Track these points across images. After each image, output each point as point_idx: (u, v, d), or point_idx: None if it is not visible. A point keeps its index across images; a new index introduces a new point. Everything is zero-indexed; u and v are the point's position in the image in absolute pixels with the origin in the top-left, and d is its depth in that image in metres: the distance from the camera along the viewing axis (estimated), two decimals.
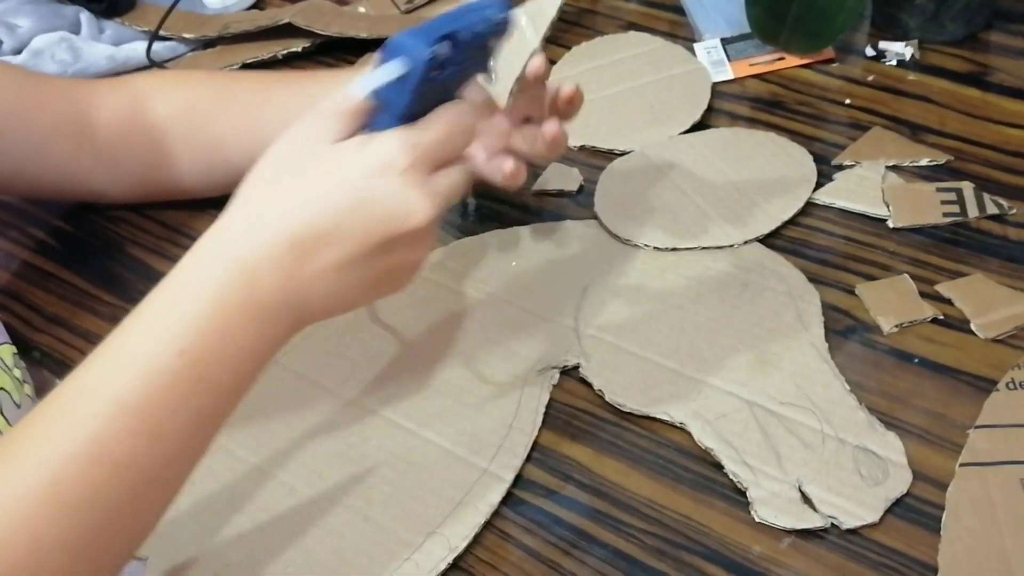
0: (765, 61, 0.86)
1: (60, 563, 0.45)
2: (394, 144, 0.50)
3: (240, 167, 0.53)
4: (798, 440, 0.58)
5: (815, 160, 0.76)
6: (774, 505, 0.55)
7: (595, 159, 0.80)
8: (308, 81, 0.75)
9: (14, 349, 0.64)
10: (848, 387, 0.60)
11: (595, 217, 0.74)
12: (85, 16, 0.98)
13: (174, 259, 0.75)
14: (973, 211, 0.71)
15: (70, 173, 0.75)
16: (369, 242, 0.50)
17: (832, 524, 0.54)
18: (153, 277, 0.73)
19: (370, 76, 0.50)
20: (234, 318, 0.49)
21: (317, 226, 0.49)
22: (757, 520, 0.55)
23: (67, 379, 0.48)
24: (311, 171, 0.50)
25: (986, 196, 0.71)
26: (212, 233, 0.51)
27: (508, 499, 0.58)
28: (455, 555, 0.55)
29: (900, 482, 0.56)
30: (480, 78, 0.57)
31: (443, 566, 0.55)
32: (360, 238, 0.50)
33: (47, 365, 0.71)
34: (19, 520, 0.44)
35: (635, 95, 0.84)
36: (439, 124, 0.51)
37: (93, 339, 0.70)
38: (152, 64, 0.94)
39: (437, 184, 0.51)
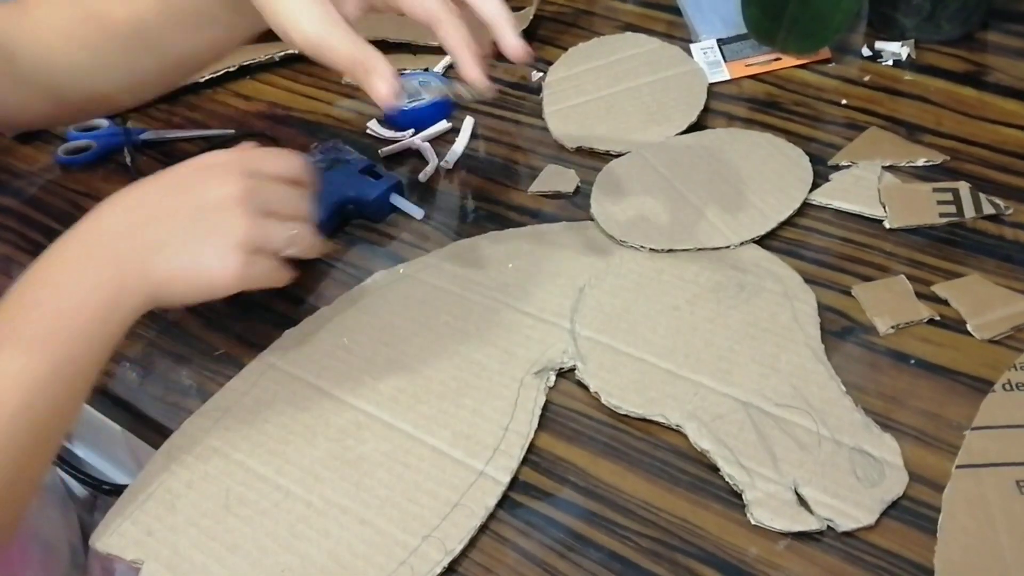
0: (761, 62, 0.86)
1: None
2: (221, 155, 0.63)
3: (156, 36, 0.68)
4: (794, 442, 0.58)
5: (811, 160, 0.76)
6: (770, 507, 0.55)
7: (591, 160, 0.80)
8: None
9: None
10: (844, 388, 0.60)
11: (591, 218, 0.74)
12: None
13: None
14: (970, 211, 0.71)
15: None
16: (186, 199, 0.60)
17: (828, 526, 0.54)
18: None
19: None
20: (76, 289, 0.57)
21: (146, 194, 0.61)
22: (753, 522, 0.55)
23: None
24: (151, 177, 0.62)
25: (983, 196, 0.71)
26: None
27: (504, 502, 0.58)
28: (451, 558, 0.55)
29: (896, 484, 0.56)
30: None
31: (438, 569, 0.55)
32: (179, 197, 0.60)
33: None
34: None
35: (631, 96, 0.84)
36: (261, 151, 0.64)
37: None
38: None
39: (256, 176, 0.61)
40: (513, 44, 0.60)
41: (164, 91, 0.85)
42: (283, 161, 0.64)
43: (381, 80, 0.59)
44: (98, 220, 0.60)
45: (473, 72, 0.60)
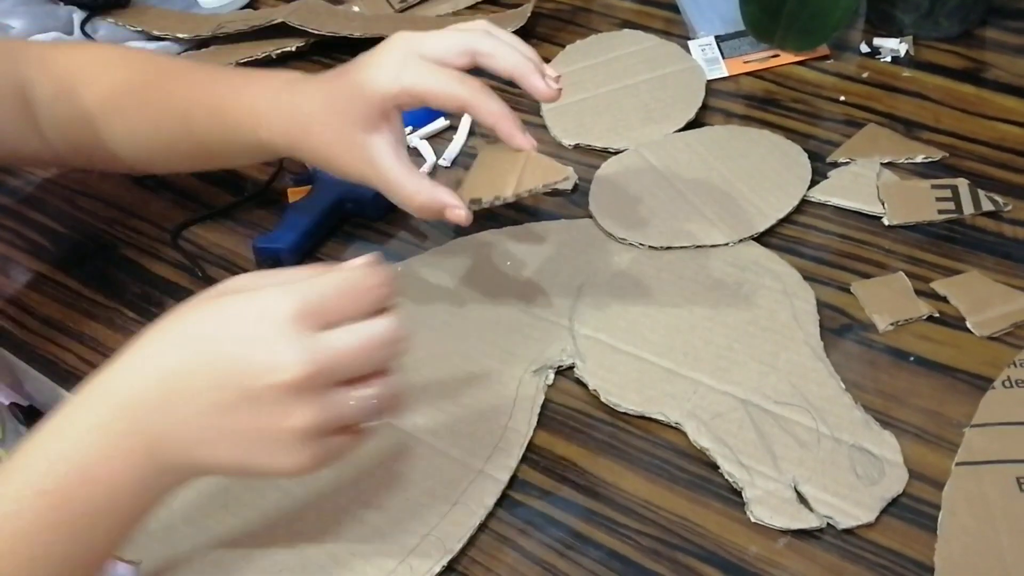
0: (760, 58, 0.86)
1: None
2: (277, 293, 0.47)
3: (175, 145, 0.59)
4: (793, 439, 0.58)
5: (810, 157, 0.76)
6: (769, 505, 0.55)
7: (590, 158, 0.79)
8: (236, 112, 0.67)
9: None
10: (844, 386, 0.60)
11: (590, 216, 0.74)
12: (78, 17, 0.98)
13: (168, 260, 0.76)
14: (968, 208, 0.70)
15: (16, 137, 0.72)
16: (230, 386, 0.46)
17: (828, 524, 0.54)
18: (147, 279, 0.75)
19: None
20: (96, 457, 0.46)
21: (185, 363, 0.47)
22: (753, 520, 0.55)
23: None
24: (197, 314, 0.48)
25: (981, 193, 0.71)
26: (99, 372, 0.49)
27: (503, 500, 0.58)
28: (450, 557, 0.55)
29: (896, 481, 0.56)
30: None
31: (438, 568, 0.55)
32: (223, 381, 0.47)
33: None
34: None
35: (630, 93, 0.84)
36: (328, 281, 0.48)
37: (87, 341, 0.71)
38: None
39: (320, 341, 0.47)
40: (540, 87, 0.62)
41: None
42: (352, 296, 0.49)
43: (453, 211, 0.62)
44: (127, 383, 0.48)
45: (522, 140, 0.61)
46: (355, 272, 0.49)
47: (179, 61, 0.86)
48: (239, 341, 0.47)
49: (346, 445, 0.49)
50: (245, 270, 0.74)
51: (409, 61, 0.61)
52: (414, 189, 0.62)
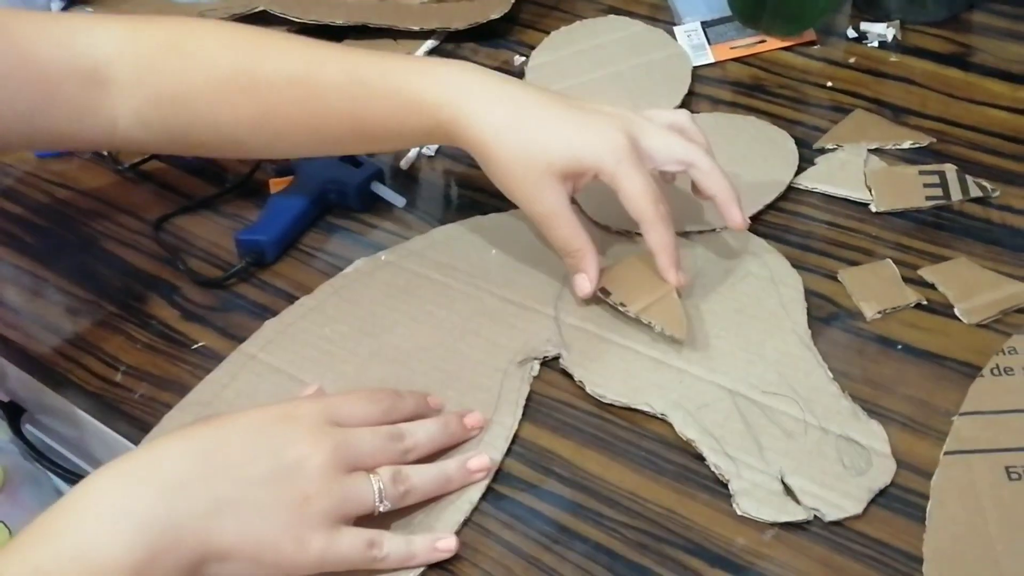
0: (746, 44, 0.86)
1: None
2: (304, 397, 0.57)
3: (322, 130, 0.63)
4: (780, 430, 0.58)
5: (797, 144, 0.75)
6: (756, 497, 0.55)
7: None
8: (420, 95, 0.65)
9: None
10: (831, 375, 0.60)
11: (575, 203, 0.73)
12: (56, 5, 0.97)
13: (150, 254, 0.75)
14: (956, 194, 0.70)
15: (70, 121, 0.67)
16: (262, 457, 0.51)
17: (815, 516, 0.54)
18: (129, 272, 0.74)
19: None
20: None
21: (222, 432, 0.52)
22: (739, 513, 0.54)
23: None
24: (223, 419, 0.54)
25: (969, 179, 0.71)
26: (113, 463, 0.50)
27: (488, 494, 0.57)
28: None
29: (884, 472, 0.55)
30: None
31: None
32: (244, 462, 0.51)
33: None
34: None
35: (615, 80, 0.83)
36: (355, 395, 0.57)
37: (68, 336, 0.70)
38: None
39: (336, 435, 0.53)
40: (737, 218, 0.64)
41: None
42: (372, 408, 0.57)
43: (583, 278, 0.64)
44: (157, 460, 0.50)
45: (673, 276, 0.63)
46: (371, 393, 0.58)
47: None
48: (276, 420, 0.53)
49: (357, 546, 0.51)
50: (227, 262, 0.73)
51: (625, 155, 0.61)
52: (571, 234, 0.64)
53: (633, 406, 0.60)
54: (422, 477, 0.55)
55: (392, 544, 0.52)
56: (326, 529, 0.50)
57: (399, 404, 0.58)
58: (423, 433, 0.57)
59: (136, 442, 0.62)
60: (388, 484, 0.53)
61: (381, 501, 0.53)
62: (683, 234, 0.69)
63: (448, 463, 0.56)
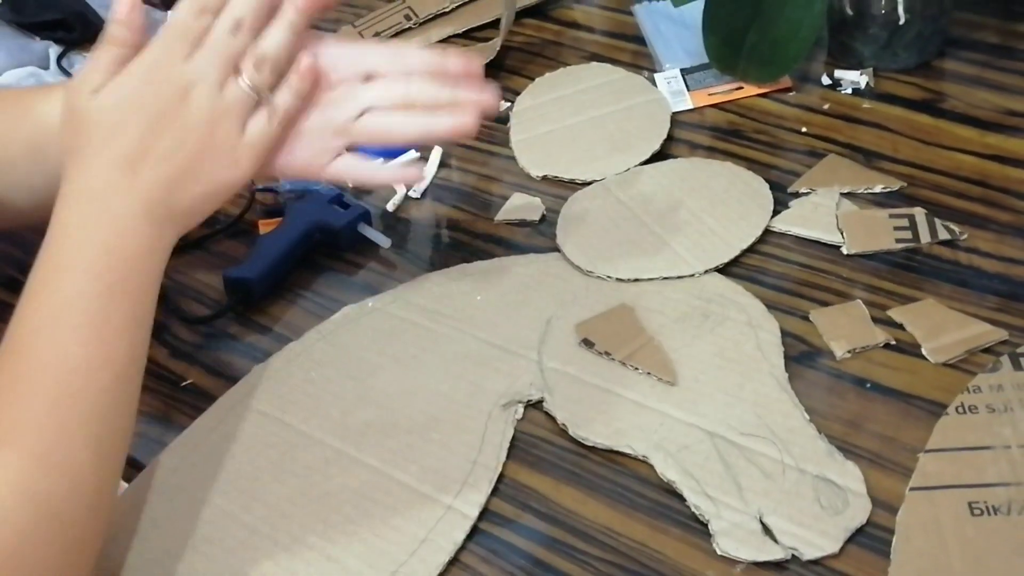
0: (724, 91, 0.88)
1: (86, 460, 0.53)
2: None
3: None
4: (759, 471, 0.59)
5: (772, 188, 0.77)
6: (736, 537, 0.56)
7: (557, 188, 0.81)
8: (30, 98, 0.69)
9: None
10: (808, 416, 0.61)
11: (557, 249, 0.75)
12: (54, 52, 0.99)
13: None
14: (925, 236, 0.72)
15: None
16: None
17: (793, 556, 0.55)
18: None
19: None
20: (116, 235, 0.58)
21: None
22: (719, 553, 0.55)
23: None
24: None
25: (938, 222, 0.73)
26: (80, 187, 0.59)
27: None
28: None
29: (860, 511, 0.56)
30: None
31: None
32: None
33: None
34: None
35: (596, 125, 0.86)
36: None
37: None
38: None
39: (199, 61, 0.60)
40: (458, 65, 0.66)
41: None
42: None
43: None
44: (108, 135, 0.59)
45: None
46: None
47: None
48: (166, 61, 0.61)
49: (268, 126, 0.62)
50: (216, 300, 0.75)
51: None
52: None
53: (615, 448, 0.61)
54: (271, 41, 0.62)
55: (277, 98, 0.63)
56: (239, 136, 0.61)
57: None
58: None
59: (128, 479, 0.63)
60: (252, 75, 0.61)
61: (255, 90, 0.61)
62: (661, 280, 0.71)
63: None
